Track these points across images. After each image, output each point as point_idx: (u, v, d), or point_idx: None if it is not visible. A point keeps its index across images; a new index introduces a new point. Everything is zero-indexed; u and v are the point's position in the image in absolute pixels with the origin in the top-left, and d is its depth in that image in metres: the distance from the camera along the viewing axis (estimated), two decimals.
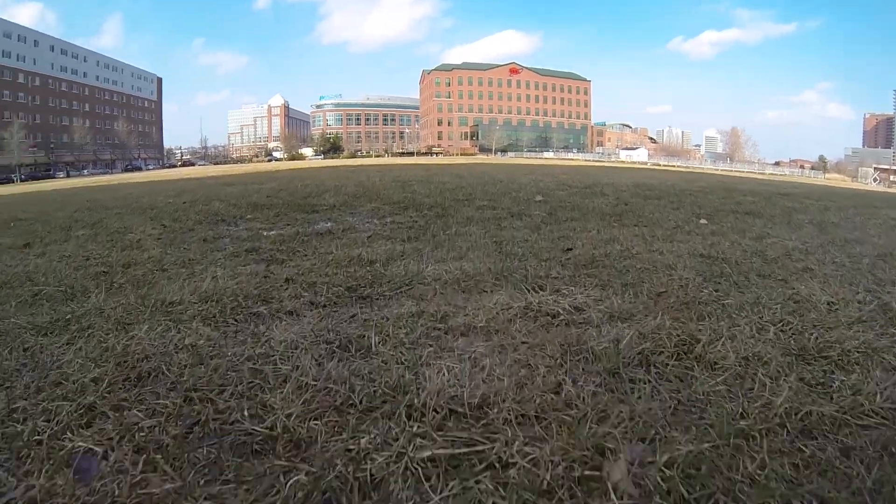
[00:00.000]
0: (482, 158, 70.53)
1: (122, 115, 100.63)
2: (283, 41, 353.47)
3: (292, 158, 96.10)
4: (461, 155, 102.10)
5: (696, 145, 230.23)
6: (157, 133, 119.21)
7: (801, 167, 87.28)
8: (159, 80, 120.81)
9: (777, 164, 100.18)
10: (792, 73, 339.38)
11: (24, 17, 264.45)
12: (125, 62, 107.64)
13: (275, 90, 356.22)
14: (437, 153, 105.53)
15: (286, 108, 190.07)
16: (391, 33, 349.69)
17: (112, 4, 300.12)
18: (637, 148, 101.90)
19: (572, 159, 72.28)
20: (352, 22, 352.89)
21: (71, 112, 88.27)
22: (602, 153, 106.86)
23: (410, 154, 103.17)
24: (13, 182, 58.42)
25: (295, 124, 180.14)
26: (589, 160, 67.57)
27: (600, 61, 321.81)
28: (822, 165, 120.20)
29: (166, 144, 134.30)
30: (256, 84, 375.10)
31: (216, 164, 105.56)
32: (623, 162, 61.87)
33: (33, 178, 63.87)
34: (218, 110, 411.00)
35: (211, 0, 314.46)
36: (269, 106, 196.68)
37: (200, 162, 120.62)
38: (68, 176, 69.01)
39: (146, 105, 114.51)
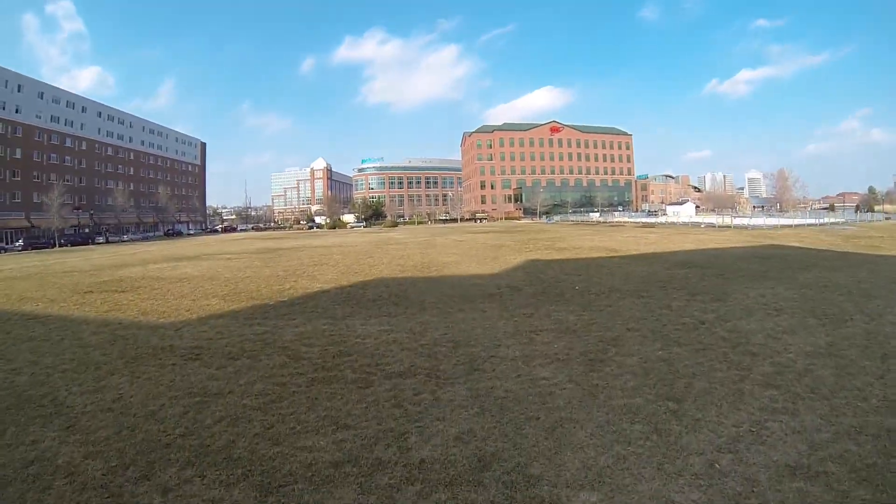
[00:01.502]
0: (527, 225, 66.36)
1: (165, 179, 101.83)
2: (328, 104, 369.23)
3: (333, 227, 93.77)
4: (506, 219, 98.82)
5: (739, 188, 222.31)
6: (200, 197, 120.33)
7: (857, 209, 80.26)
8: (203, 145, 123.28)
9: (830, 207, 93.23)
10: (830, 104, 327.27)
11: (85, 79, 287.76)
12: (170, 127, 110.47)
13: (318, 152, 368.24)
14: (481, 219, 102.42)
15: (328, 171, 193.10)
16: (433, 92, 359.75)
17: (167, 70, 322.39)
18: (684, 202, 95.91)
19: (621, 223, 63.10)
20: (395, 83, 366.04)
21: (115, 175, 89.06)
22: (649, 210, 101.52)
23: (454, 221, 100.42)
24: (53, 247, 57.00)
25: (338, 187, 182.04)
26: (639, 223, 58.69)
27: (637, 112, 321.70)
28: (872, 198, 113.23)
29: (212, 203, 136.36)
30: (300, 145, 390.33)
31: (257, 229, 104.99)
32: (687, 225, 52.28)
33: (73, 242, 62.54)
34: (262, 171, 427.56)
35: (259, 65, 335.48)
36: (311, 169, 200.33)
37: (242, 226, 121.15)
38: (107, 241, 67.74)
39: (189, 169, 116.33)
